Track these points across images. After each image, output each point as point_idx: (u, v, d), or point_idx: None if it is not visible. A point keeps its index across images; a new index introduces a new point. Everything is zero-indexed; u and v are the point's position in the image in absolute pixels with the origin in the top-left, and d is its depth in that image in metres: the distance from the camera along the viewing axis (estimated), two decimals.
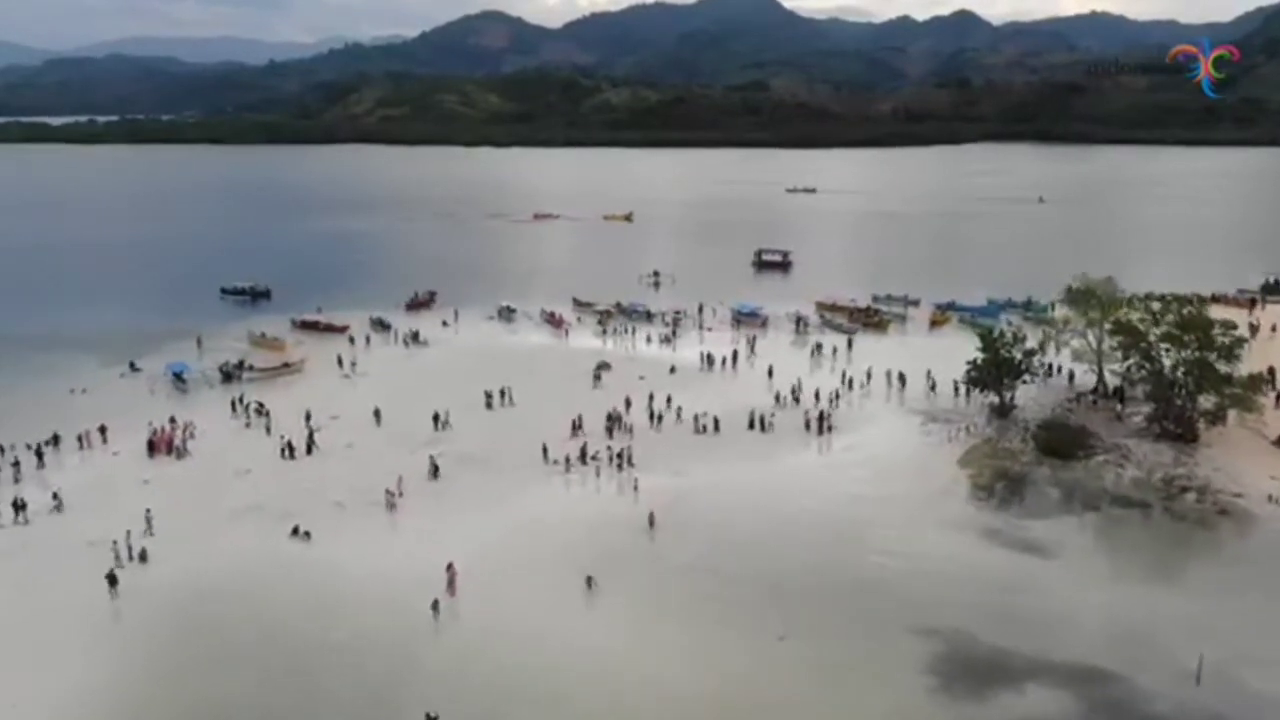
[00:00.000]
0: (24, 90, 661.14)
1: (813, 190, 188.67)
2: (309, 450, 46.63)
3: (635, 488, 42.03)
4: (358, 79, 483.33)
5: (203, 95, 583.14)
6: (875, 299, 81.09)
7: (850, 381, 55.76)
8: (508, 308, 77.18)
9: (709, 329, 73.23)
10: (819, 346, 66.05)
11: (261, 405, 52.35)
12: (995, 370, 50.77)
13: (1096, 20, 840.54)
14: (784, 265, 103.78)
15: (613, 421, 49.44)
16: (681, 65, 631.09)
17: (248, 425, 51.15)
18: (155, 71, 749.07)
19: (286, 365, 61.10)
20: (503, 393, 54.20)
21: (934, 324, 74.41)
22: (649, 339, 69.49)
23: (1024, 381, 51.30)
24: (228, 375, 59.35)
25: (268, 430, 49.45)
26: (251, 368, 60.24)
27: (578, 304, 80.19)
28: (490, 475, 43.88)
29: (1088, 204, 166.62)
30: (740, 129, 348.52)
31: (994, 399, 51.64)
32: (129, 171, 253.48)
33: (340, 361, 61.67)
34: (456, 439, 48.50)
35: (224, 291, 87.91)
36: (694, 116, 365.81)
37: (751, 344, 65.99)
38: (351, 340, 68.30)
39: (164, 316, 76.77)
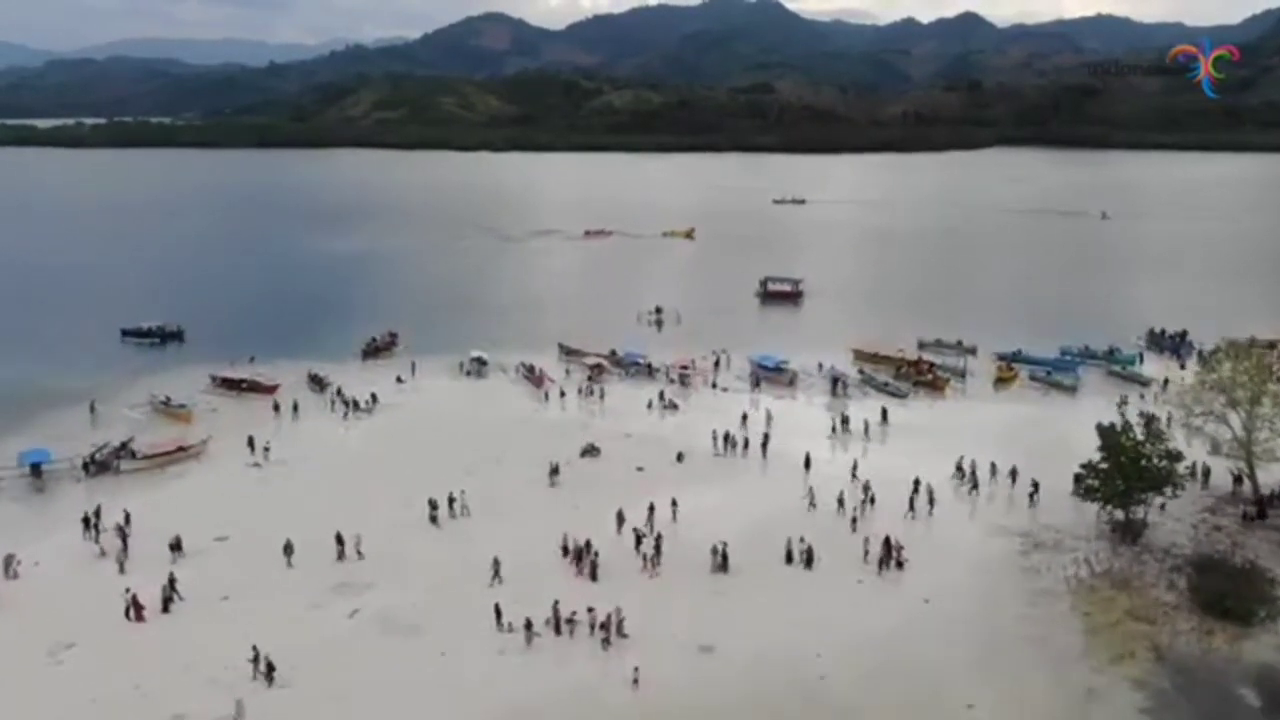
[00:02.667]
0: (24, 91, 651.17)
1: (802, 201, 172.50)
2: (165, 606, 32.96)
3: (635, 680, 28.48)
4: (357, 80, 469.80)
5: (203, 97, 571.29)
6: (922, 345, 67.44)
7: (917, 484, 41.86)
8: (479, 359, 63.38)
9: (724, 389, 59.61)
10: (845, 420, 52.00)
11: (126, 521, 38.71)
12: (1122, 479, 37.08)
13: (1102, 22, 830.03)
14: (794, 296, 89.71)
15: (585, 558, 35.79)
16: (684, 67, 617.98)
17: (102, 553, 37.43)
18: (156, 73, 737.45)
19: (181, 449, 47.33)
20: (452, 501, 40.54)
21: (999, 381, 60.60)
22: (649, 404, 55.77)
23: (1164, 496, 37.51)
24: (101, 465, 45.63)
25: (121, 567, 35.78)
26: (134, 454, 46.54)
27: (565, 352, 66.59)
28: (414, 655, 30.27)
29: (1150, 218, 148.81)
30: (746, 132, 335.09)
31: (1118, 514, 38.02)
32: (103, 178, 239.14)
33: (252, 444, 47.86)
34: (380, 582, 34.83)
35: (125, 334, 73.24)
36: (698, 119, 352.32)
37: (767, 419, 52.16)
38: (276, 407, 54.51)
39: (56, 369, 62.37)
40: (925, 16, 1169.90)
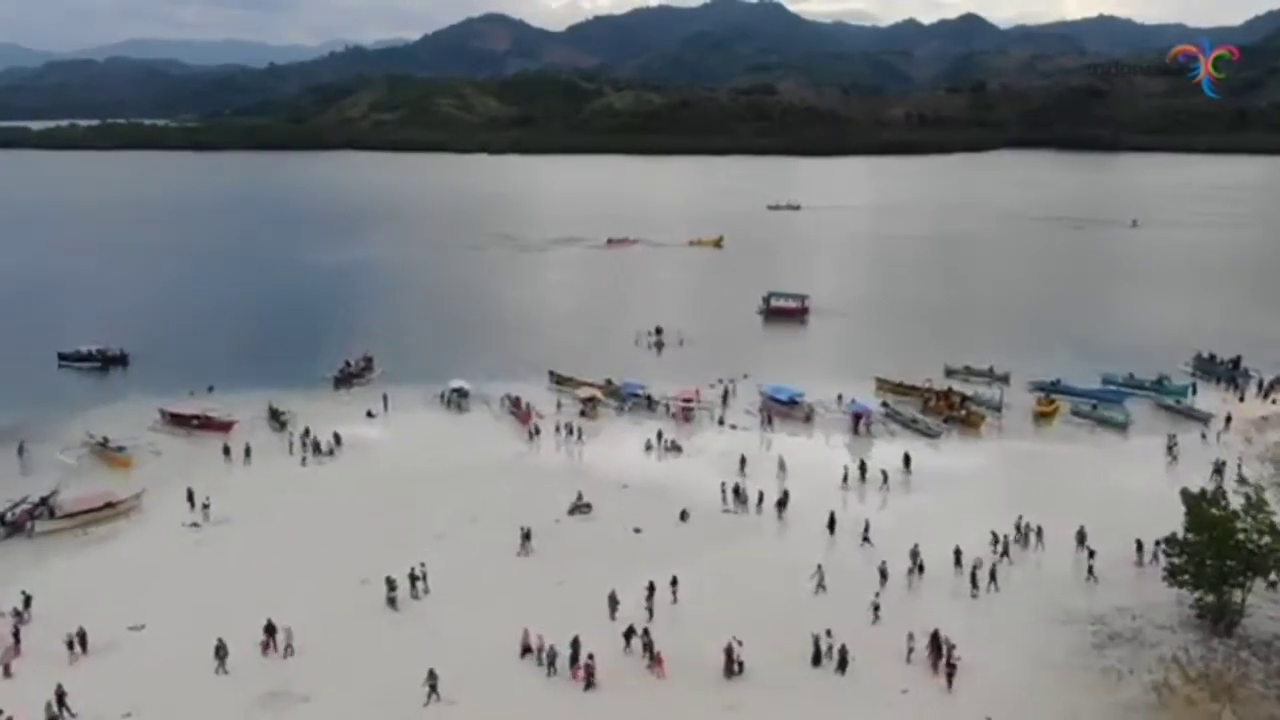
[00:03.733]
0: (23, 93, 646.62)
1: (797, 207, 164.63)
2: None
3: None
4: (355, 82, 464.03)
5: (203, 98, 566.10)
6: (949, 372, 61.23)
7: (959, 555, 35.72)
8: (459, 390, 57.17)
9: (732, 425, 53.41)
10: (863, 467, 45.35)
11: (25, 604, 32.53)
12: (1214, 559, 30.88)
13: (1103, 23, 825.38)
14: (800, 313, 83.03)
15: (578, 661, 29.54)
16: (685, 68, 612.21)
17: None
18: (157, 74, 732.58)
19: (110, 506, 41.13)
20: (414, 578, 34.32)
21: (1040, 416, 54.21)
22: (648, 445, 49.57)
23: (1271, 581, 31.25)
24: (13, 526, 39.44)
25: (6, 670, 29.57)
26: (53, 512, 40.34)
27: (556, 381, 60.45)
28: None
29: (1181, 226, 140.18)
30: (748, 134, 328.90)
31: (1208, 597, 31.84)
32: (84, 181, 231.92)
33: (191, 499, 41.65)
34: (320, 692, 28.57)
35: (63, 359, 67.11)
36: (700, 121, 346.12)
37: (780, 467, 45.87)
38: (226, 450, 48.31)
39: None
40: (926, 18, 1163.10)
